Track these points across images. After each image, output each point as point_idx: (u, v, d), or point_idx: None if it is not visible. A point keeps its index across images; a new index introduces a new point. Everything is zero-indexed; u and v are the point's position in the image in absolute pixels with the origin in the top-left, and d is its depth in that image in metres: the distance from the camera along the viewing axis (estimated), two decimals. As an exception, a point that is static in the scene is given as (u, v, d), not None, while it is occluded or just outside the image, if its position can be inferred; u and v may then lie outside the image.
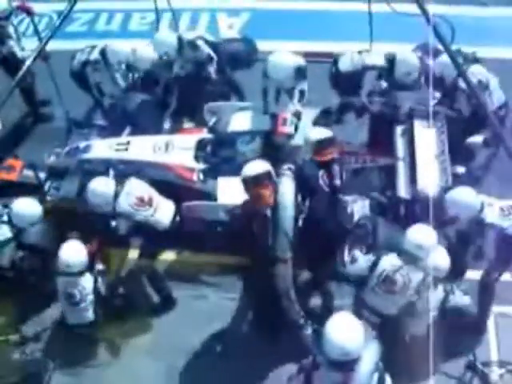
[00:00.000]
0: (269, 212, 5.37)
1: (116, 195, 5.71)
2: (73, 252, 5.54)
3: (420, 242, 4.97)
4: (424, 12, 5.25)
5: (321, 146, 5.76)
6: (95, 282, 5.63)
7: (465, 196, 5.36)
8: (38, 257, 5.90)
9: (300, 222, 5.50)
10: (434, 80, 6.77)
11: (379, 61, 6.98)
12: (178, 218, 5.96)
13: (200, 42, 7.32)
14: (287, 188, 5.48)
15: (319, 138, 5.79)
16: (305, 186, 5.60)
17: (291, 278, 5.44)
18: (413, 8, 5.59)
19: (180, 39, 7.26)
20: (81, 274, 5.53)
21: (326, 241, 5.56)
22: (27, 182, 7.19)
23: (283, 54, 6.80)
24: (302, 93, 6.77)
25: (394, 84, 6.96)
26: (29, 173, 7.20)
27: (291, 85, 6.78)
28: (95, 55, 7.32)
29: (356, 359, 4.23)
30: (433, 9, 5.35)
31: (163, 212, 5.85)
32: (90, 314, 5.64)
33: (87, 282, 5.57)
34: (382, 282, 5.07)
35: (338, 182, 5.62)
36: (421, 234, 5.00)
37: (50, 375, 5.82)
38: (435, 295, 5.00)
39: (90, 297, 5.58)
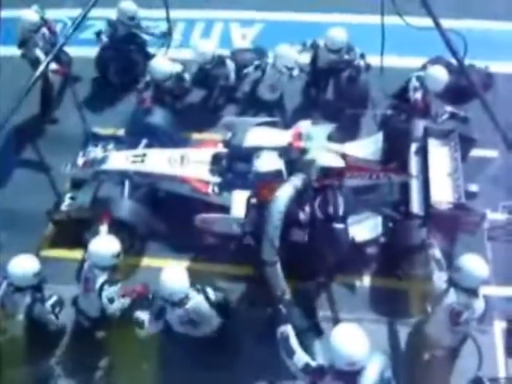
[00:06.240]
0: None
1: None
2: (107, 246, 5.74)
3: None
4: (438, 26, 5.31)
5: (326, 173, 5.91)
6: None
7: None
8: None
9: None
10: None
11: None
12: None
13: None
14: (283, 193, 5.46)
15: (327, 165, 5.98)
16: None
17: (283, 281, 5.45)
18: (424, 21, 5.68)
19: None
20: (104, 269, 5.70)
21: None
22: None
23: None
24: None
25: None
26: None
27: None
28: None
29: (361, 369, 4.33)
30: (444, 23, 5.44)
31: None
32: (95, 309, 5.77)
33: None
34: None
35: (331, 209, 5.66)
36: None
37: (56, 381, 5.94)
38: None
39: None
